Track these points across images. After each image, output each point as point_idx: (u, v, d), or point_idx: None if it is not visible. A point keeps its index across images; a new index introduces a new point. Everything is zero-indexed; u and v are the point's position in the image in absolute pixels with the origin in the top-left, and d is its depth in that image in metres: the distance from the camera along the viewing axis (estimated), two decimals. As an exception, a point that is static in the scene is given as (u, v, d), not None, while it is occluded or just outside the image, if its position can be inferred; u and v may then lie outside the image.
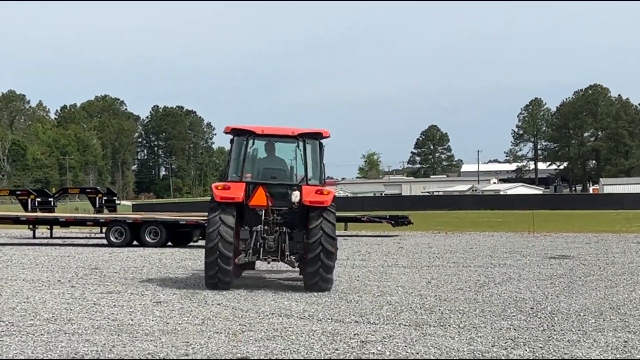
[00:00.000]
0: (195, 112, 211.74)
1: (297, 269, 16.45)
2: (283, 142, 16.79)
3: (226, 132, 16.60)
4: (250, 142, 16.35)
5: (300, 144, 16.37)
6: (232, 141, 16.56)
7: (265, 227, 15.80)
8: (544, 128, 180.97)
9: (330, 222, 15.41)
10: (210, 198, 16.12)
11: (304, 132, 16.42)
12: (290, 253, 15.76)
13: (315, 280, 15.42)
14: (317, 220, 15.32)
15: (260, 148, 16.77)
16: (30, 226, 34.93)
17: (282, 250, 15.77)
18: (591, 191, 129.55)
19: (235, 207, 15.60)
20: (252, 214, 15.94)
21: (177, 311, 13.04)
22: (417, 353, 9.78)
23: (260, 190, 15.88)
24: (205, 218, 17.28)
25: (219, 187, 15.70)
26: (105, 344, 10.20)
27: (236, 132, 16.54)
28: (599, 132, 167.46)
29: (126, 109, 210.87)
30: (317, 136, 16.58)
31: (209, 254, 15.37)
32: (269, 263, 16.81)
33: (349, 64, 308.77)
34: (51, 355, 9.47)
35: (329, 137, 16.76)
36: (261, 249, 15.79)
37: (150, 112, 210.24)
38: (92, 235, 36.28)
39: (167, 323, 11.87)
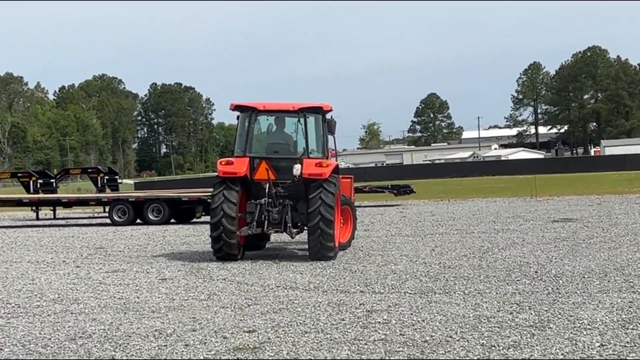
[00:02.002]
0: (193, 88, 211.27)
1: (295, 238, 17.44)
2: (285, 117, 17.25)
3: (232, 109, 17.07)
4: (253, 118, 16.82)
5: (302, 118, 16.76)
6: (237, 118, 17.09)
7: (269, 200, 16.26)
8: (543, 92, 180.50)
9: (330, 191, 15.84)
10: (216, 175, 16.68)
11: (305, 107, 16.80)
12: (292, 225, 16.33)
13: (316, 249, 15.91)
14: (317, 191, 15.80)
15: (264, 123, 17.41)
16: (33, 208, 35.00)
17: (285, 222, 16.31)
18: (592, 153, 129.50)
19: (240, 181, 16.18)
20: (257, 187, 16.44)
21: (183, 287, 13.08)
22: (423, 320, 9.81)
23: (263, 164, 16.42)
24: (207, 194, 17.86)
25: (223, 163, 16.44)
26: (112, 322, 10.24)
27: (240, 109, 17.01)
28: (599, 94, 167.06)
29: (124, 88, 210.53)
30: (318, 110, 16.97)
31: (213, 228, 16.05)
32: (271, 234, 17.31)
33: (345, 34, 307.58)
34: (58, 335, 9.50)
35: (330, 110, 17.21)
36: (265, 221, 16.27)
37: (148, 89, 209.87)
38: (96, 214, 36.30)
39: (173, 299, 11.91)
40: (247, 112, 16.87)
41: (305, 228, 16.46)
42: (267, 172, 16.30)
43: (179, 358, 8.28)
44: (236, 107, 17.03)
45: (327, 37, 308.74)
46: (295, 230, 16.52)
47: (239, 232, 16.13)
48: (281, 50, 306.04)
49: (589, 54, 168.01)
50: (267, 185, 16.25)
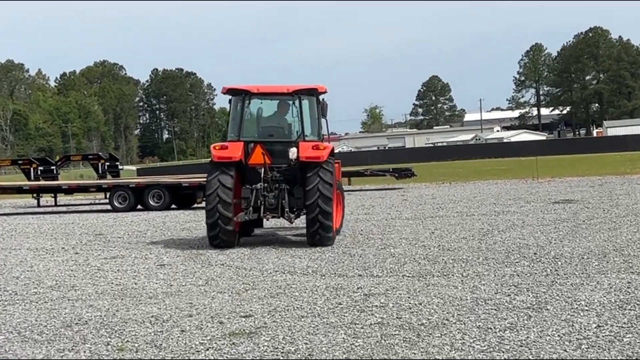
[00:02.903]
0: (195, 73, 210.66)
1: (293, 224, 17.23)
2: (279, 100, 16.94)
3: (224, 93, 16.69)
4: (247, 101, 16.50)
5: (296, 100, 16.47)
6: (229, 101, 16.77)
7: (265, 184, 16.00)
8: (545, 73, 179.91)
9: (327, 182, 15.55)
10: (210, 160, 16.42)
11: (299, 89, 16.47)
12: (289, 209, 16.02)
13: (315, 239, 15.72)
14: (314, 182, 15.50)
15: (258, 107, 17.01)
16: (34, 195, 35.00)
17: (282, 207, 16.00)
18: (595, 134, 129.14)
19: (235, 166, 15.81)
20: (253, 172, 16.12)
21: (181, 273, 13.05)
22: (420, 303, 9.77)
23: (258, 148, 16.03)
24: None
25: (217, 148, 16.06)
26: (109, 308, 10.21)
27: (233, 92, 16.67)
28: (601, 75, 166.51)
29: (126, 74, 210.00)
30: (312, 92, 16.67)
31: (209, 215, 15.70)
32: (267, 220, 17.01)
33: (347, 16, 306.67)
34: (54, 322, 9.48)
35: (325, 92, 16.83)
36: (261, 206, 15.99)
37: (150, 75, 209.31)
38: (97, 201, 36.29)
39: (171, 285, 11.88)
40: (240, 95, 16.54)
41: (303, 213, 16.25)
42: (262, 157, 15.94)
43: (175, 344, 8.24)
44: (229, 91, 16.69)
45: (328, 20, 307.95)
46: (292, 215, 16.20)
47: (236, 218, 15.81)
48: (283, 35, 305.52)
49: (590, 34, 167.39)
50: (262, 169, 15.95)
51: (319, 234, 15.61)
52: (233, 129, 16.56)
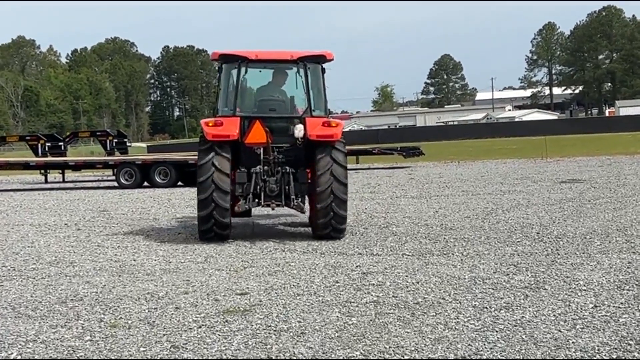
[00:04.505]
0: (206, 50, 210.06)
1: (305, 214, 14.64)
2: (281, 68, 14.59)
3: (214, 59, 14.49)
4: (243, 69, 14.06)
5: (301, 69, 14.12)
6: (220, 69, 14.44)
7: (265, 167, 13.71)
8: (558, 52, 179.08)
9: (341, 164, 13.37)
10: (199, 138, 14.07)
11: (305, 55, 14.07)
12: (295, 196, 13.73)
13: (326, 232, 13.55)
14: (326, 164, 13.27)
15: (256, 76, 14.63)
16: (42, 171, 35.05)
17: (287, 194, 13.70)
18: (607, 114, 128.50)
19: (230, 146, 13.54)
20: (249, 153, 13.73)
21: (181, 250, 12.99)
22: (418, 282, 9.70)
23: (258, 125, 13.51)
24: None
25: (210, 124, 13.47)
26: (105, 285, 10.17)
27: (225, 59, 14.29)
28: (614, 54, 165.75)
29: (137, 51, 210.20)
30: (319, 59, 14.28)
31: (202, 206, 13.30)
32: (273, 209, 14.37)
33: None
34: (49, 298, 9.44)
35: (333, 59, 14.38)
36: (262, 193, 13.67)
37: (161, 52, 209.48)
38: (105, 177, 36.32)
39: (170, 262, 11.83)
40: (235, 62, 14.07)
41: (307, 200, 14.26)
42: (265, 134, 13.44)
43: (168, 321, 8.19)
44: (221, 57, 14.24)
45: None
46: (301, 203, 13.86)
47: (237, 208, 13.68)
48: (293, 11, 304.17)
49: (604, 13, 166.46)
50: (261, 150, 13.65)
51: (332, 226, 13.44)
52: (226, 102, 14.21)
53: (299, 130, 13.57)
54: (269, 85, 14.66)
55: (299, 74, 14.25)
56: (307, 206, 14.41)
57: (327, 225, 13.43)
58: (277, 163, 13.74)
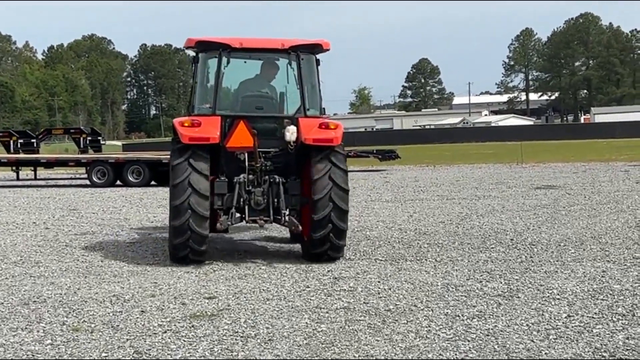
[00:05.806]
0: (184, 49, 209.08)
1: (299, 229, 11.61)
2: (270, 59, 12.46)
3: (188, 47, 12.26)
4: (224, 59, 11.83)
5: (293, 61, 11.98)
6: (196, 60, 12.20)
7: (251, 176, 11.55)
8: (535, 58, 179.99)
9: (341, 168, 11.39)
10: (172, 139, 12.03)
11: (299, 44, 11.95)
12: (287, 211, 11.49)
13: (323, 249, 11.40)
14: (324, 168, 11.27)
15: (240, 67, 12.40)
16: (14, 168, 34.61)
17: (276, 207, 11.52)
18: (583, 121, 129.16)
19: (208, 150, 11.41)
20: (231, 159, 11.65)
21: (150, 251, 12.76)
22: (390, 288, 9.53)
23: (242, 125, 11.47)
24: None
25: (186, 124, 11.36)
26: (70, 286, 9.92)
27: (204, 46, 12.08)
28: (590, 61, 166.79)
29: (114, 48, 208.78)
30: (315, 49, 12.19)
31: (176, 215, 11.08)
32: (262, 227, 12.54)
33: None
34: (12, 299, 9.18)
35: (329, 49, 12.32)
36: (246, 207, 11.52)
37: (138, 50, 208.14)
38: (78, 176, 35.92)
39: (138, 264, 11.59)
40: (215, 51, 11.83)
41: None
42: (251, 137, 11.28)
43: (132, 325, 7.97)
44: (198, 44, 12.04)
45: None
46: (294, 219, 11.53)
47: (219, 225, 11.43)
48: (273, 12, 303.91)
49: (581, 20, 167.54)
50: (246, 155, 11.49)
51: (330, 242, 11.27)
52: (204, 97, 12.09)
53: (290, 133, 11.44)
54: (255, 79, 12.52)
55: (290, 66, 12.10)
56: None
57: (325, 240, 11.24)
58: (264, 171, 11.60)
